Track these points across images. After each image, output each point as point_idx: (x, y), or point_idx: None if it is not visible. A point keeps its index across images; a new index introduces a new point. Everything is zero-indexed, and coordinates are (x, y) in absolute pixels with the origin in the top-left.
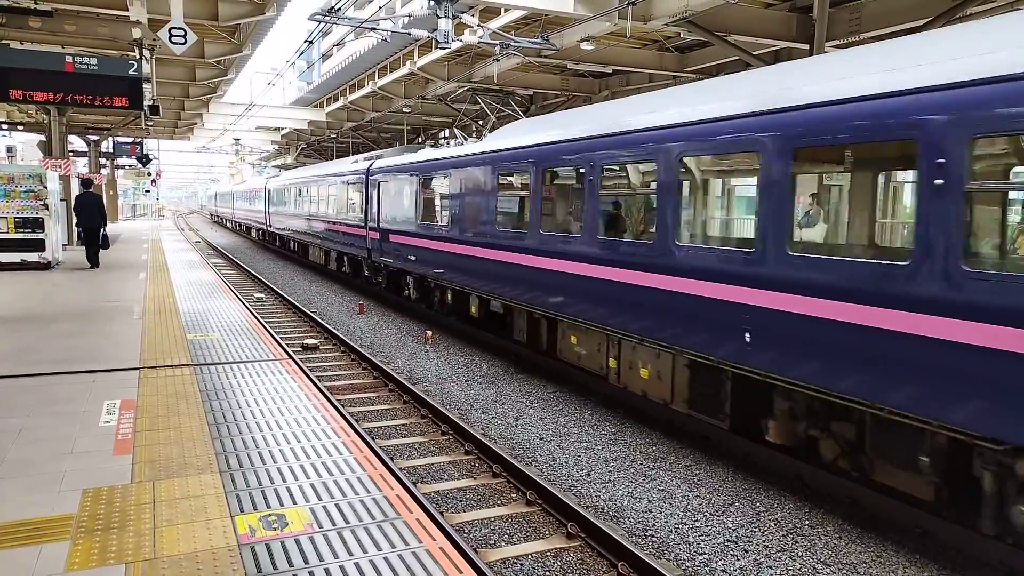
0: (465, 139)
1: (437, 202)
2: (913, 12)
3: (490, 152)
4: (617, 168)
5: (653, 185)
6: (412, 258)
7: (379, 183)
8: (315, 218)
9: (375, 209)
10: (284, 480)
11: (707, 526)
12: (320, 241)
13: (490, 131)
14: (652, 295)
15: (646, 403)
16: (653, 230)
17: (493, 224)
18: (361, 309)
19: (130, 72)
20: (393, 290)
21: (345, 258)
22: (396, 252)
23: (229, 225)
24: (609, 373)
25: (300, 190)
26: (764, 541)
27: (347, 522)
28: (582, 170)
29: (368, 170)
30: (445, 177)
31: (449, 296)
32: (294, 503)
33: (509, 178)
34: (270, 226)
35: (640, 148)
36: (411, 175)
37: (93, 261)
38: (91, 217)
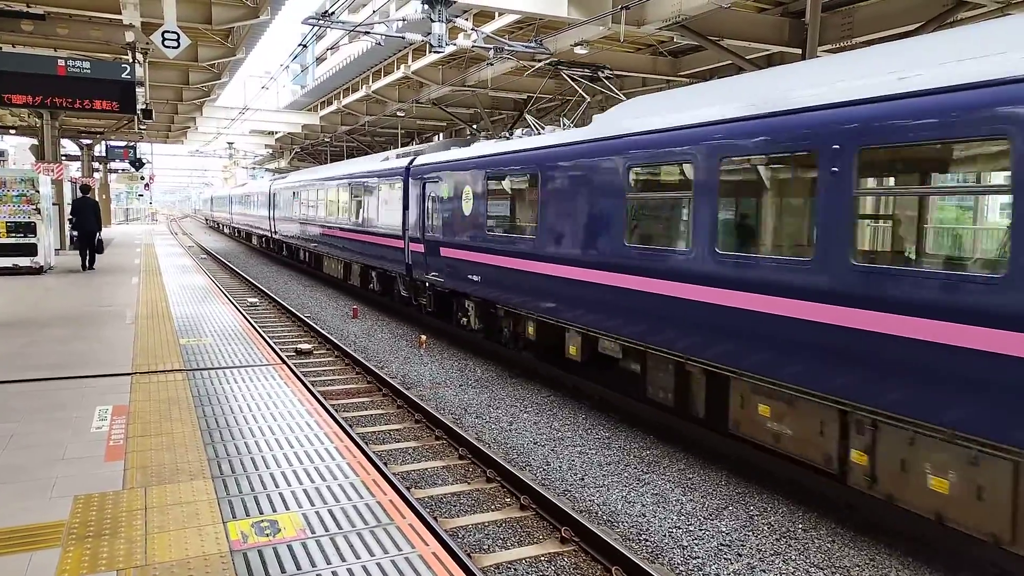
0: (540, 128)
1: (519, 208)
2: (905, 17)
3: (617, 138)
4: (911, 149)
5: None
6: (475, 278)
7: (425, 183)
8: (334, 226)
9: (419, 215)
10: (277, 486)
11: (701, 530)
12: (340, 252)
13: (573, 122)
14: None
15: (890, 508)
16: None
17: (621, 238)
18: (355, 314)
19: (123, 76)
20: (441, 315)
21: (373, 273)
22: (450, 269)
23: (227, 231)
24: (850, 472)
25: (314, 193)
26: (758, 545)
27: (340, 528)
28: (826, 157)
29: (408, 168)
30: (534, 175)
31: (530, 329)
32: (287, 509)
33: (653, 174)
34: (275, 233)
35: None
36: (477, 173)
37: (87, 264)
38: (88, 221)
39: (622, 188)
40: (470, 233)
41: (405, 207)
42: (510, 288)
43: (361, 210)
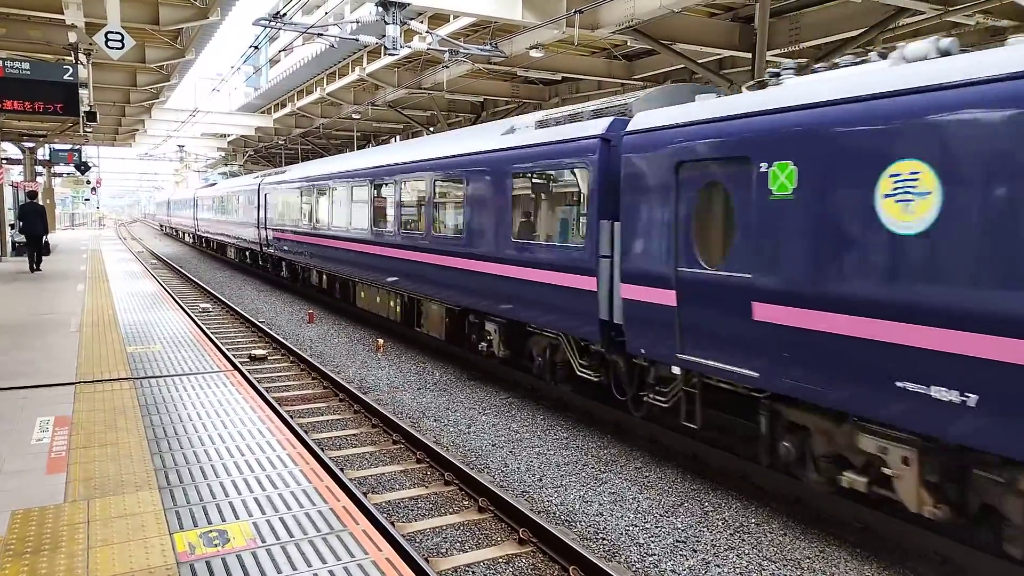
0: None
1: None
2: (849, 23)
3: None
4: None
5: None
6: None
7: (680, 163)
8: (395, 243)
9: (668, 233)
10: (227, 495)
11: (657, 527)
12: (408, 283)
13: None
14: None
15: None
16: None
17: None
18: (311, 318)
19: (65, 77)
20: (722, 438)
21: (491, 325)
22: (795, 352)
23: (189, 240)
24: None
25: (345, 192)
26: (712, 540)
27: (291, 536)
28: None
29: (620, 137)
30: None
31: None
32: (236, 518)
33: None
34: (267, 247)
35: None
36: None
37: (34, 266)
38: (34, 225)
39: None
40: (911, 279)
41: (599, 214)
42: None
43: (462, 219)
